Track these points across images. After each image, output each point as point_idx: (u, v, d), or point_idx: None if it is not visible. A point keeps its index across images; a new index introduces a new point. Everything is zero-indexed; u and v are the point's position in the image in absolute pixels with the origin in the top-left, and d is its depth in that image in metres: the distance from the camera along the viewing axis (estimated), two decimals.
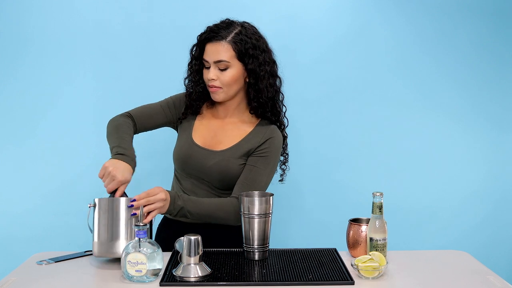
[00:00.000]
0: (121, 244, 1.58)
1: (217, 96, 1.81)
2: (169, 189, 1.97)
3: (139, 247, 1.48)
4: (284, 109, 1.91)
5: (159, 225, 1.96)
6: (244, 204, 1.63)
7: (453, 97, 2.62)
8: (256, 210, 1.61)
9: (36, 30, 2.49)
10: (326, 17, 2.56)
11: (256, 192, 1.69)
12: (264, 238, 1.64)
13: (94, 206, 1.62)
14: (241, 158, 1.82)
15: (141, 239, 1.49)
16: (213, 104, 1.92)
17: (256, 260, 1.64)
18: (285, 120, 1.92)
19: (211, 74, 1.78)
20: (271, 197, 1.64)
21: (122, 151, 1.72)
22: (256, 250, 1.64)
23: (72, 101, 2.53)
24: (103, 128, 2.52)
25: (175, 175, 1.95)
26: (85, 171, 2.54)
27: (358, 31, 2.56)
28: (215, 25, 1.81)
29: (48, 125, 2.54)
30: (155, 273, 1.50)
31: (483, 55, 2.60)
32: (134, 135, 1.88)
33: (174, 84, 2.51)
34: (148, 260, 1.47)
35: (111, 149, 1.75)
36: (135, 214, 1.59)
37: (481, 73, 2.62)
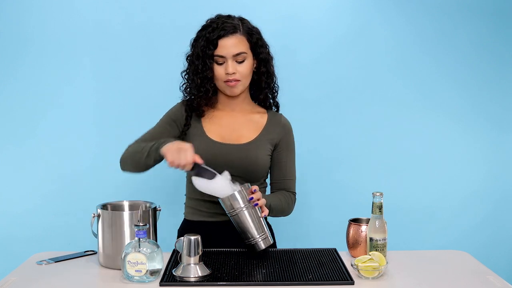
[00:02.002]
0: None
1: (237, 89, 1.81)
2: (183, 195, 1.96)
3: (139, 247, 1.48)
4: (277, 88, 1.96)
5: (179, 228, 1.94)
6: (227, 204, 1.61)
7: (453, 97, 2.62)
8: (240, 203, 1.60)
9: (36, 30, 2.49)
10: (326, 17, 2.56)
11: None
12: (261, 226, 1.62)
13: (98, 216, 1.62)
14: (266, 148, 1.84)
15: (141, 239, 1.49)
16: (214, 103, 1.89)
17: (263, 250, 1.62)
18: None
19: (230, 68, 1.76)
20: (247, 184, 1.64)
21: (165, 140, 1.69)
22: (259, 239, 1.62)
23: (72, 101, 2.53)
24: (103, 128, 2.55)
25: (190, 180, 1.89)
26: (85, 171, 2.54)
27: (358, 31, 2.56)
28: (220, 21, 1.79)
29: (48, 125, 2.53)
30: (155, 273, 1.50)
31: (483, 55, 2.60)
32: None
33: (174, 84, 2.52)
34: (147, 260, 1.47)
35: (152, 152, 1.70)
36: (252, 198, 1.61)
37: (481, 73, 2.62)
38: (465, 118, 2.64)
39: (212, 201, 1.81)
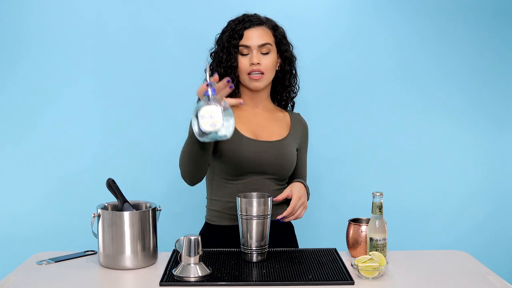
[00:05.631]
0: (127, 258, 1.59)
1: (260, 83, 1.79)
2: (205, 197, 1.93)
3: (211, 101, 1.40)
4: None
5: (201, 232, 1.91)
6: (242, 205, 1.62)
7: (453, 96, 2.62)
8: (254, 212, 1.61)
9: (36, 30, 2.49)
10: (326, 17, 2.56)
11: (254, 194, 1.69)
12: (262, 240, 1.63)
13: (98, 216, 1.62)
14: (294, 146, 1.87)
15: (211, 96, 1.40)
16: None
17: (253, 262, 1.63)
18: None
19: (255, 58, 1.76)
20: (269, 198, 1.64)
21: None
22: (254, 252, 1.63)
23: (72, 101, 2.52)
24: (104, 128, 2.55)
25: (216, 181, 1.85)
26: (86, 171, 2.53)
27: (358, 31, 2.56)
28: (246, 16, 1.83)
29: (49, 125, 2.53)
30: (227, 133, 1.41)
31: (483, 55, 2.60)
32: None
33: (174, 84, 2.53)
34: (223, 114, 1.40)
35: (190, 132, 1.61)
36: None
37: (481, 73, 2.61)
38: (465, 118, 2.64)
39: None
